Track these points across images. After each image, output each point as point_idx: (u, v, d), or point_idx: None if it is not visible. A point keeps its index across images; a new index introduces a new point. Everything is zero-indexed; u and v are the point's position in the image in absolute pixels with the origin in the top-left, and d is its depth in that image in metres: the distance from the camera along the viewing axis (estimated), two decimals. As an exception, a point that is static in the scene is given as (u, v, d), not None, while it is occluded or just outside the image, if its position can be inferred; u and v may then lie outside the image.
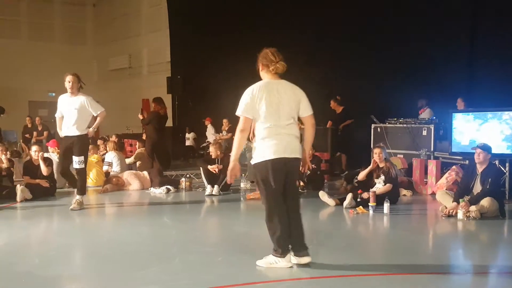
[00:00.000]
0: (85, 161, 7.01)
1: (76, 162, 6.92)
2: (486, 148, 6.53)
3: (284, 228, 4.08)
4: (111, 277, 4.07)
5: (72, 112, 6.94)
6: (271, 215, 4.12)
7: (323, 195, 7.33)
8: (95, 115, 7.06)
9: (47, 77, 22.41)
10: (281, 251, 4.11)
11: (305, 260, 4.15)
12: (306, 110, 4.21)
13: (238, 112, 4.16)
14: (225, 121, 14.39)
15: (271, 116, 4.07)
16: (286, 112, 4.11)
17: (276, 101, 4.08)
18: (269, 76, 4.21)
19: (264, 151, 4.08)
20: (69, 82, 7.00)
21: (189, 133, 15.75)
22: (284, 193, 4.15)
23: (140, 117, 11.03)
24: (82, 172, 7.04)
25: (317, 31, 12.79)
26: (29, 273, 4.14)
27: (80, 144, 6.91)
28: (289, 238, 4.12)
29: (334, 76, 12.00)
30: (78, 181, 7.05)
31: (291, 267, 4.10)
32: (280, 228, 4.07)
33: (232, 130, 14.23)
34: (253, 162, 4.18)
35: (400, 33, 11.19)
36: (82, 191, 7.04)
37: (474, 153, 6.56)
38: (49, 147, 9.74)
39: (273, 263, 4.14)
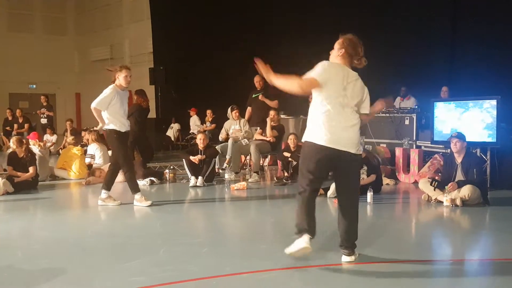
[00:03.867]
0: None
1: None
2: (461, 137, 6.62)
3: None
4: (97, 270, 4.05)
5: (126, 106, 6.68)
6: None
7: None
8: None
9: (27, 69, 22.16)
10: (297, 230, 4.04)
11: (351, 258, 4.12)
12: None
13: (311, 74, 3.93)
14: (209, 112, 14.35)
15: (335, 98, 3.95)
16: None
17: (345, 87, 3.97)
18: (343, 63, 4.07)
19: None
20: (130, 76, 6.59)
21: (174, 123, 15.68)
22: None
23: None
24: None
25: (300, 19, 12.82)
26: (11, 267, 4.10)
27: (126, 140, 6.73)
28: (308, 218, 4.05)
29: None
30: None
31: (305, 247, 3.96)
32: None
33: (215, 121, 14.20)
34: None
35: (382, 21, 11.25)
36: (134, 189, 6.73)
37: (453, 143, 6.65)
38: (30, 140, 9.61)
39: (294, 244, 4.04)
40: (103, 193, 6.70)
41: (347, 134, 3.97)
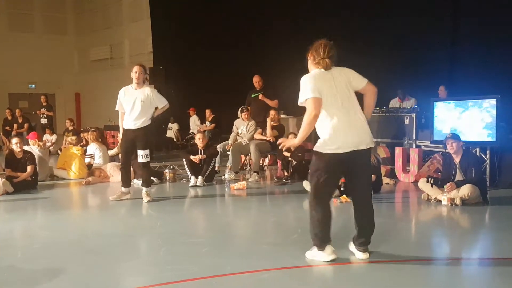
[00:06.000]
0: (151, 154, 6.96)
1: (142, 155, 6.82)
2: (456, 137, 6.63)
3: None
4: (97, 270, 4.06)
5: (137, 104, 6.75)
6: None
7: (307, 185, 7.35)
8: (160, 107, 6.94)
9: (27, 68, 22.13)
10: (320, 241, 4.07)
11: (365, 255, 4.14)
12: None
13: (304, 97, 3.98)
14: (208, 111, 14.35)
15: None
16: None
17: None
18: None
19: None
20: (136, 72, 6.81)
21: (172, 123, 15.67)
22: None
23: None
24: (148, 165, 7.00)
25: (300, 18, 12.82)
26: (11, 267, 4.10)
27: (146, 138, 6.81)
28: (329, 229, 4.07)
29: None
30: (143, 174, 7.10)
31: (332, 260, 4.02)
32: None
33: (215, 120, 14.20)
34: None
35: (382, 21, 11.24)
36: (148, 183, 7.02)
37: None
38: (29, 140, 9.61)
39: (315, 256, 4.10)
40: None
41: (354, 133, 3.99)
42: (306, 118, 3.96)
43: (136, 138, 6.78)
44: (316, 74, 4.07)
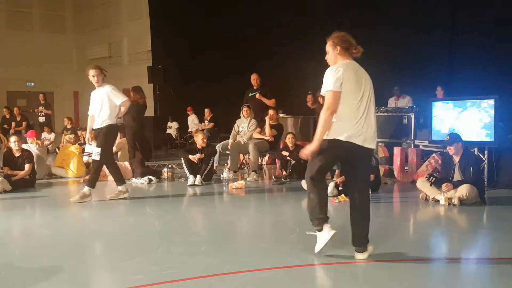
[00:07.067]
0: (104, 154, 6.77)
1: (94, 153, 6.81)
2: (455, 137, 6.62)
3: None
4: (95, 268, 4.06)
5: (97, 103, 6.79)
6: None
7: (305, 184, 7.36)
8: (118, 104, 6.82)
9: (25, 66, 22.11)
10: (318, 222, 4.10)
11: (363, 255, 4.15)
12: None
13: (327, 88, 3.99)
14: (207, 110, 14.34)
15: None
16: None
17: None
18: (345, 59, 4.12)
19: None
20: (94, 76, 6.82)
21: (171, 122, 15.66)
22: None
23: None
24: (95, 164, 6.89)
25: (298, 16, 12.82)
26: (9, 265, 4.10)
27: (105, 137, 6.77)
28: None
29: (312, 67, 12.06)
30: (90, 173, 7.03)
31: (334, 233, 4.04)
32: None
33: (214, 119, 14.20)
34: None
35: (380, 21, 11.25)
36: (90, 183, 6.89)
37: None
38: (27, 138, 9.60)
39: (320, 241, 4.11)
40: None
41: (368, 129, 4.06)
42: (322, 115, 3.99)
43: (98, 136, 6.81)
44: (344, 64, 4.06)
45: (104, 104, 6.75)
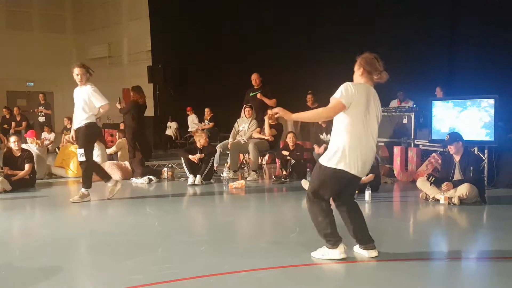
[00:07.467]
0: (88, 154, 6.71)
1: (79, 154, 6.75)
2: (456, 136, 6.62)
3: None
4: (95, 268, 4.06)
5: (79, 102, 6.70)
6: None
7: (305, 184, 7.37)
8: (97, 106, 6.68)
9: (25, 66, 22.11)
10: (332, 242, 4.10)
11: (376, 252, 4.20)
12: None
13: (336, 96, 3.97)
14: (207, 110, 14.34)
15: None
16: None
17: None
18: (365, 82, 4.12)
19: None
20: (78, 75, 6.71)
21: (171, 121, 15.66)
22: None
23: (118, 106, 10.63)
24: (83, 165, 6.81)
25: (299, 15, 12.81)
26: (9, 265, 4.10)
27: (84, 137, 6.69)
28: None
29: (312, 67, 12.08)
30: (82, 175, 6.93)
31: (343, 258, 4.09)
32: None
33: (214, 119, 14.19)
34: None
35: (379, 21, 11.25)
36: (85, 184, 6.84)
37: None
38: (27, 138, 9.61)
39: (324, 255, 4.13)
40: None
41: (370, 157, 4.08)
42: (320, 111, 4.03)
43: (78, 137, 6.73)
44: (360, 85, 4.04)
45: (85, 104, 6.66)
